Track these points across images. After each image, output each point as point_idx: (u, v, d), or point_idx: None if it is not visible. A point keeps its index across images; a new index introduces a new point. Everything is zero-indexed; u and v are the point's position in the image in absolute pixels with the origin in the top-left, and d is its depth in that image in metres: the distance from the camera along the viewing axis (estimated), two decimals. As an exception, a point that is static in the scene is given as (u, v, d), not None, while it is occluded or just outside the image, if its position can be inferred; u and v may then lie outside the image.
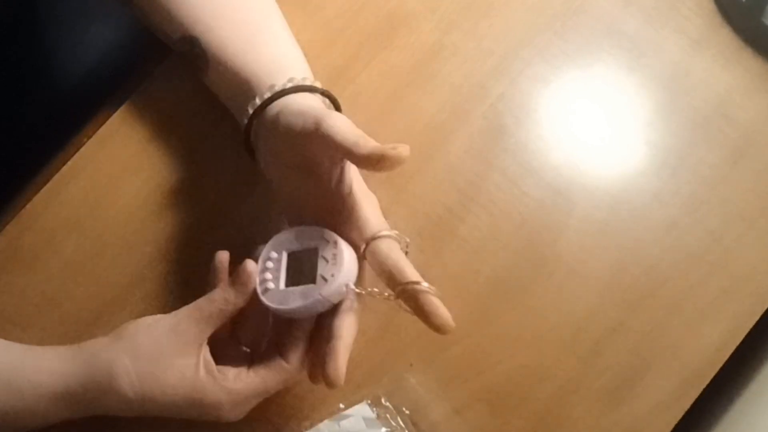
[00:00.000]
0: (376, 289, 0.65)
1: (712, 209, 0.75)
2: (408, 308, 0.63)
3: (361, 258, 0.66)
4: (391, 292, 0.64)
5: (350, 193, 0.66)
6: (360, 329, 0.70)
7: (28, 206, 0.75)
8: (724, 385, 0.72)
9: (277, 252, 0.66)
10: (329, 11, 0.80)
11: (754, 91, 0.78)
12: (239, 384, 0.64)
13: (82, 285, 0.73)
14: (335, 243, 0.64)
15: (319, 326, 0.66)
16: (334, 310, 0.65)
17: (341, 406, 0.69)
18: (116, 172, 0.76)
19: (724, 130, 0.77)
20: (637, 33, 0.79)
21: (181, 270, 0.73)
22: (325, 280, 0.63)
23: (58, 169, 0.76)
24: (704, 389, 0.71)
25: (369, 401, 0.69)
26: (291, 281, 0.65)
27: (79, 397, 0.64)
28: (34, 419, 0.65)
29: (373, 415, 0.68)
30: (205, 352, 0.64)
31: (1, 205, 0.76)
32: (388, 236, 0.65)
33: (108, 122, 0.77)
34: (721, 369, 0.71)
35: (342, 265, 0.63)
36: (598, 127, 0.78)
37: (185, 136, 0.77)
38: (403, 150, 0.59)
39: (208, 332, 0.64)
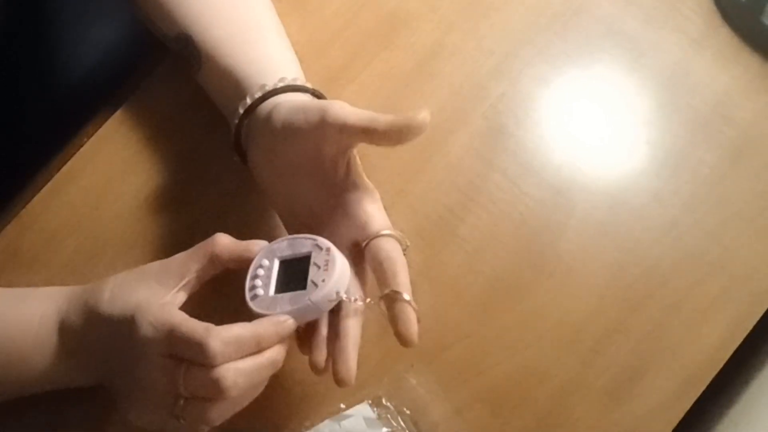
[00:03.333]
0: (358, 297, 0.64)
1: (712, 209, 0.75)
2: (386, 312, 0.63)
3: (360, 254, 0.65)
4: (372, 299, 0.63)
5: (356, 185, 0.65)
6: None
7: (28, 206, 0.75)
8: (725, 386, 0.73)
9: (268, 260, 0.65)
10: (329, 11, 0.80)
11: (754, 91, 0.78)
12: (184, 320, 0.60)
13: (82, 285, 0.73)
14: (328, 250, 0.63)
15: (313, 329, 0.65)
16: (338, 312, 0.64)
17: (342, 406, 0.69)
18: (116, 173, 0.76)
19: (724, 129, 0.77)
20: (637, 33, 0.79)
21: (181, 270, 0.73)
22: (316, 285, 0.62)
23: (58, 169, 0.76)
24: (704, 389, 0.71)
25: (370, 401, 0.69)
26: (281, 288, 0.64)
27: (68, 323, 0.64)
28: (23, 358, 0.65)
29: (374, 415, 0.68)
30: (181, 295, 0.64)
31: (1, 205, 0.76)
32: (391, 236, 0.65)
33: (108, 122, 0.77)
34: (721, 369, 0.71)
35: (334, 271, 0.62)
36: (598, 127, 0.78)
37: (185, 136, 0.77)
38: (425, 115, 0.59)
39: (191, 270, 0.64)
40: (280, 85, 0.68)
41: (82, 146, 0.76)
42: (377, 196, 0.67)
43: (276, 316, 0.61)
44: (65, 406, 0.68)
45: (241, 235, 0.73)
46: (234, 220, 0.74)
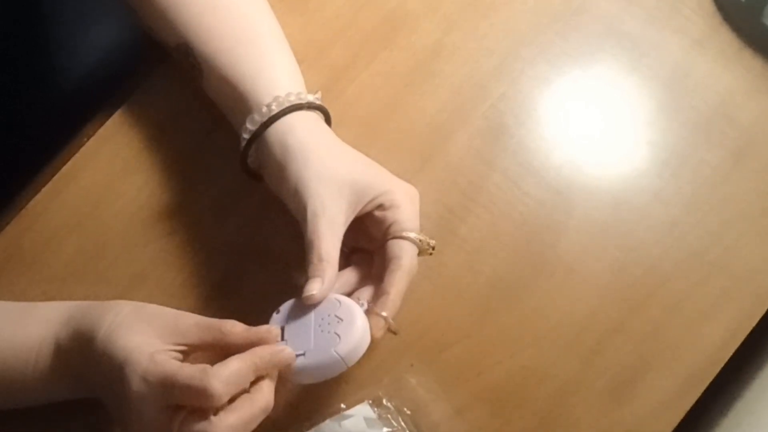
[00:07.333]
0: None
1: (713, 209, 0.75)
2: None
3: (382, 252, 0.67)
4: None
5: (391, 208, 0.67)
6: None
7: (28, 206, 0.75)
8: (725, 386, 0.72)
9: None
10: (329, 11, 0.80)
11: (755, 91, 0.78)
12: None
13: (83, 285, 0.73)
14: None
15: None
16: None
17: (342, 406, 0.69)
18: (116, 172, 0.76)
19: (725, 130, 0.77)
20: (638, 33, 0.79)
21: (181, 270, 0.73)
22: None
23: (58, 169, 0.76)
24: (705, 389, 0.71)
25: (370, 401, 0.69)
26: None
27: (66, 350, 0.63)
28: (25, 383, 0.64)
29: (374, 416, 0.68)
30: (175, 354, 0.61)
31: (1, 205, 0.76)
32: (409, 239, 0.66)
33: (108, 122, 0.77)
34: (722, 369, 0.71)
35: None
36: (599, 128, 0.78)
37: (185, 136, 0.77)
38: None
39: (195, 339, 0.62)
40: (275, 110, 0.67)
41: (82, 146, 0.76)
42: (413, 194, 0.69)
43: (274, 345, 0.62)
44: (66, 415, 0.68)
45: (241, 235, 0.73)
46: (234, 220, 0.74)
